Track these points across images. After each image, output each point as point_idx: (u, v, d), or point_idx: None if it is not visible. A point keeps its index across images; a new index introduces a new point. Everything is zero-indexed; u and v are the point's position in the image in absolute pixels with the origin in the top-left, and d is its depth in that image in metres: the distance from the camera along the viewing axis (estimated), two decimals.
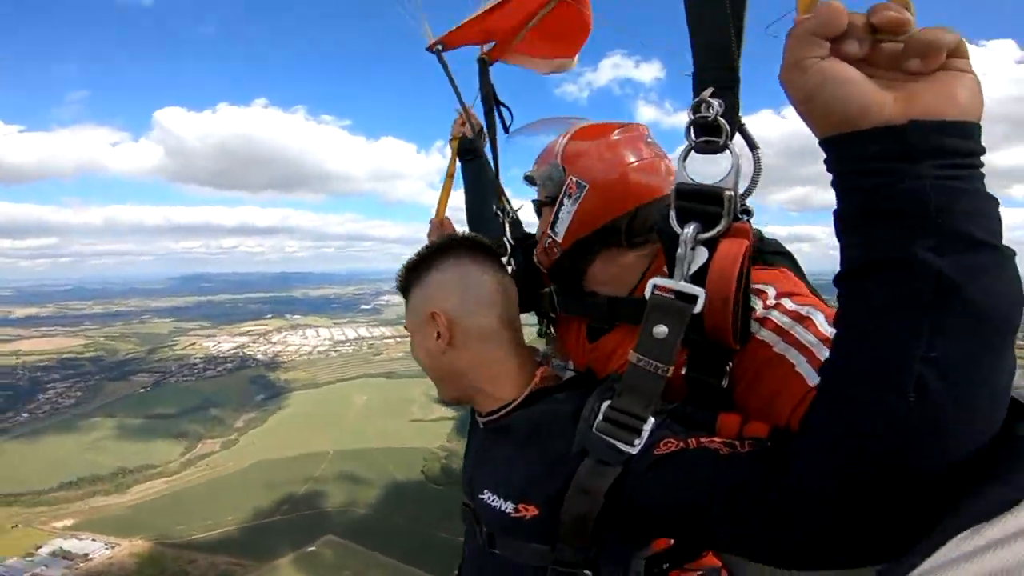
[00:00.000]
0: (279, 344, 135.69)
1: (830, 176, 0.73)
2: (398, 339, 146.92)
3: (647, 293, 0.94)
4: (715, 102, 0.86)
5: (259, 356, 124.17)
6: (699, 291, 0.90)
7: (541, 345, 1.67)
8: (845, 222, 0.72)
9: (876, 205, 0.68)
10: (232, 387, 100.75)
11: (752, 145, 0.90)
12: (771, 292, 1.13)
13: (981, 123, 0.67)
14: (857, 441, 0.69)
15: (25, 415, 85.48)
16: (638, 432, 0.96)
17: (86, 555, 49.36)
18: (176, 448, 75.67)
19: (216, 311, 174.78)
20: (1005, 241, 0.66)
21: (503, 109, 2.17)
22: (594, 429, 1.01)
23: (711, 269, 0.90)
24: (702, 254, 0.92)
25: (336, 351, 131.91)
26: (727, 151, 0.89)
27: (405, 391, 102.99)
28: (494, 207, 2.03)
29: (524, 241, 1.80)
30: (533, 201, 1.53)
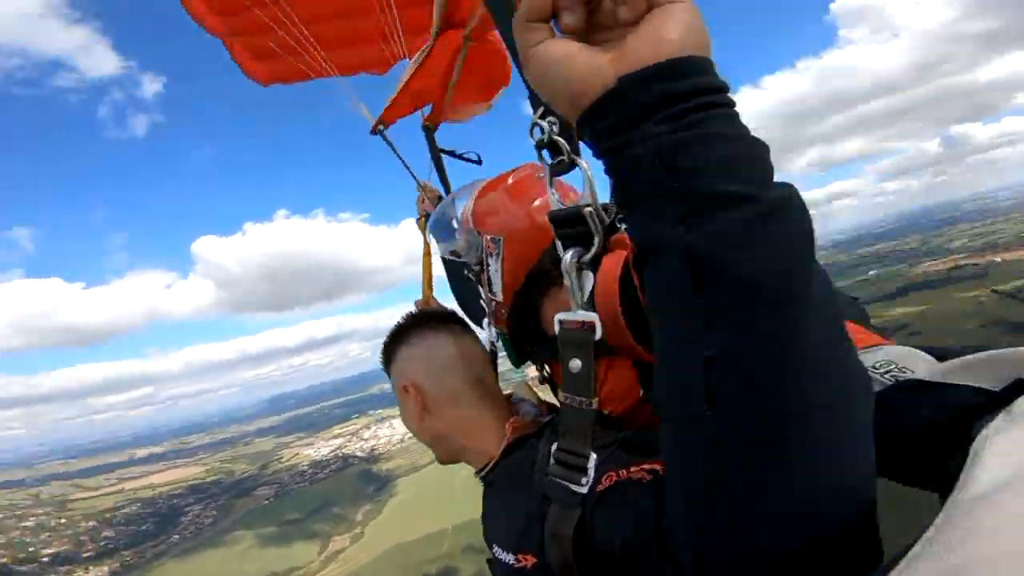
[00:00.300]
0: (371, 439, 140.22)
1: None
2: None
3: (555, 329, 0.89)
4: (544, 123, 0.81)
5: (358, 453, 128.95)
6: (592, 316, 0.85)
7: (546, 391, 1.54)
8: (618, 208, 0.68)
9: (620, 182, 0.60)
10: (343, 485, 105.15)
11: (576, 153, 0.83)
12: None
13: (710, 55, 0.57)
14: (682, 457, 0.61)
15: (176, 537, 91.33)
16: (584, 471, 0.92)
17: None
18: (312, 548, 79.40)
19: (306, 422, 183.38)
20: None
21: (471, 156, 2.32)
22: (548, 474, 0.97)
23: (596, 292, 0.87)
24: (589, 278, 0.86)
25: None
26: (576, 167, 0.83)
27: None
28: (465, 271, 1.79)
29: None
30: (466, 274, 1.52)
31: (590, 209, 0.82)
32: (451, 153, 2.38)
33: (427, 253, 2.30)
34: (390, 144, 2.39)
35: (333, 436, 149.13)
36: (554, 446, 0.99)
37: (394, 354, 1.39)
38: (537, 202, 1.30)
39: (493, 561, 1.27)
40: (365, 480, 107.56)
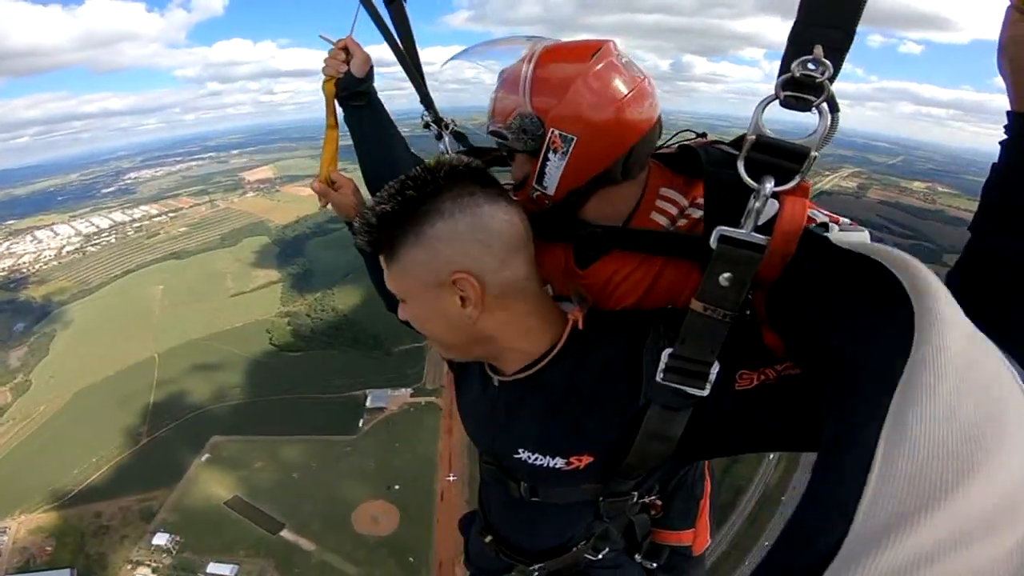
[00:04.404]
0: (5, 257, 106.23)
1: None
2: (170, 214, 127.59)
3: (713, 242, 0.91)
4: (828, 63, 0.81)
5: None
6: (764, 239, 0.88)
7: None
8: None
9: None
10: None
11: (835, 108, 0.85)
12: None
13: None
14: None
15: None
16: (705, 376, 0.95)
17: None
18: None
19: None
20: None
21: None
22: (658, 379, 0.98)
23: (781, 224, 0.88)
24: (772, 206, 0.89)
25: (93, 245, 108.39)
26: (814, 111, 0.84)
27: (207, 267, 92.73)
28: (423, 117, 1.82)
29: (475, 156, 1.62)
30: (499, 144, 1.33)
31: (816, 154, 0.86)
32: None
33: (331, 127, 1.76)
34: None
35: None
36: (666, 352, 0.98)
37: (420, 231, 1.01)
38: (627, 96, 1.17)
39: (497, 464, 1.31)
40: (9, 314, 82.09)
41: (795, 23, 0.83)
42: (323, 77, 1.70)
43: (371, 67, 1.68)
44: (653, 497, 1.44)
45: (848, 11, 0.80)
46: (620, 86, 1.16)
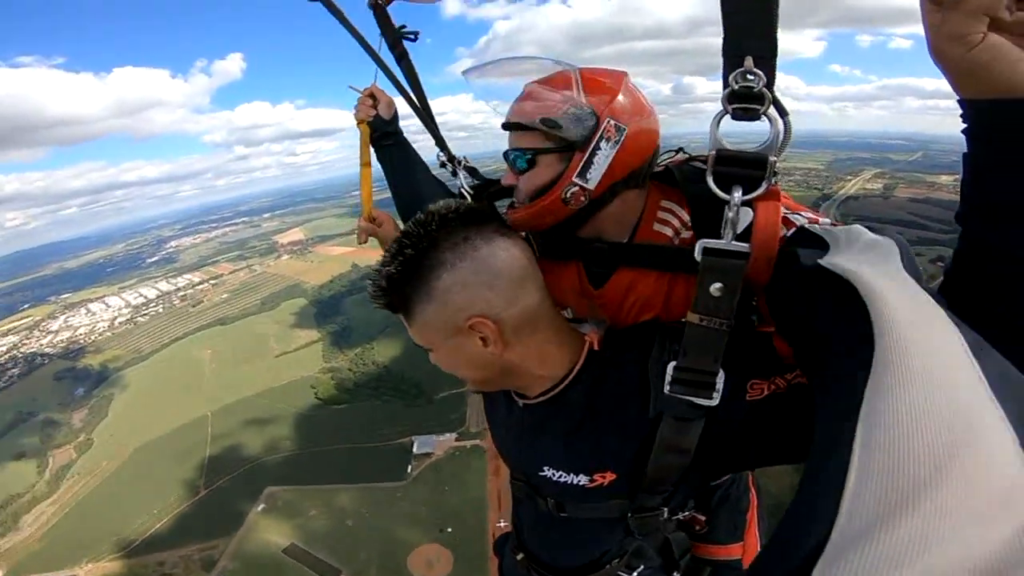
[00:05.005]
0: (64, 330, 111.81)
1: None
2: (211, 281, 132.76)
3: (697, 255, 0.95)
4: (760, 72, 0.85)
5: (47, 350, 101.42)
6: (746, 247, 0.92)
7: None
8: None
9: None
10: (38, 391, 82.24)
11: (783, 112, 0.89)
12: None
13: None
14: None
15: None
16: (712, 386, 0.97)
17: None
18: (28, 468, 61.82)
19: None
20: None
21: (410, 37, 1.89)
22: (666, 392, 1.00)
23: (757, 230, 0.95)
24: (747, 215, 0.95)
25: (143, 315, 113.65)
26: (764, 118, 0.89)
27: (251, 330, 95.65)
28: (439, 157, 1.98)
29: (484, 189, 1.73)
30: (520, 150, 1.33)
31: (775, 159, 0.91)
32: (402, 33, 1.87)
33: (365, 164, 1.91)
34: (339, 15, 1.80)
35: (0, 334, 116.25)
36: (671, 365, 1.00)
37: (429, 287, 1.04)
38: (652, 109, 1.30)
39: (525, 481, 1.34)
40: (70, 380, 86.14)
41: (723, 39, 0.88)
42: (356, 121, 1.93)
43: (395, 109, 1.91)
44: (688, 513, 1.42)
45: (763, 21, 0.84)
46: (645, 100, 1.30)
